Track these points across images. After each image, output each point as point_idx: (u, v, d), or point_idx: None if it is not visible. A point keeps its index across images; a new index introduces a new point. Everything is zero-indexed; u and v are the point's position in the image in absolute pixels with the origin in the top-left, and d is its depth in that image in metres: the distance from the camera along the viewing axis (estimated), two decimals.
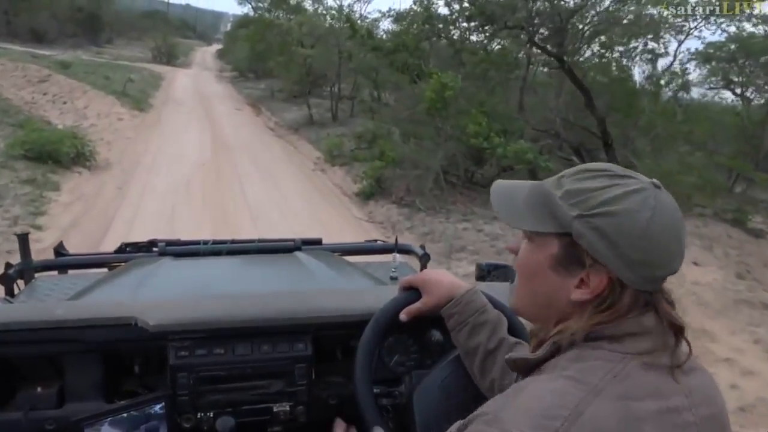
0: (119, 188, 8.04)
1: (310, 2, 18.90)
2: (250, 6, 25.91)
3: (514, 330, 1.10)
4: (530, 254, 0.79)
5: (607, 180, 0.73)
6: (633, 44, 9.91)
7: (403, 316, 1.14)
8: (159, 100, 17.80)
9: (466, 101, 9.48)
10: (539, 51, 9.72)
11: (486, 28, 12.33)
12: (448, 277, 1.16)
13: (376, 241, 2.66)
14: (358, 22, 14.71)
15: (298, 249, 1.98)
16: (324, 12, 16.46)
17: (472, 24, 13.53)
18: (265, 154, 11.73)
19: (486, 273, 1.59)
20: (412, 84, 11.96)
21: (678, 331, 0.73)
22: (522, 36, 10.09)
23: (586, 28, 10.20)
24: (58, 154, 8.14)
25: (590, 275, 0.73)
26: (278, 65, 19.02)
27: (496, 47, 12.94)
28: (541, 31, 9.95)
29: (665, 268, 0.72)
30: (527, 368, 0.78)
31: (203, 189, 8.47)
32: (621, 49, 10.06)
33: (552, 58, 9.49)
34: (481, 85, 9.87)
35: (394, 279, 1.81)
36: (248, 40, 22.37)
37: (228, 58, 34.78)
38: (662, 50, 10.00)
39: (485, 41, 13.50)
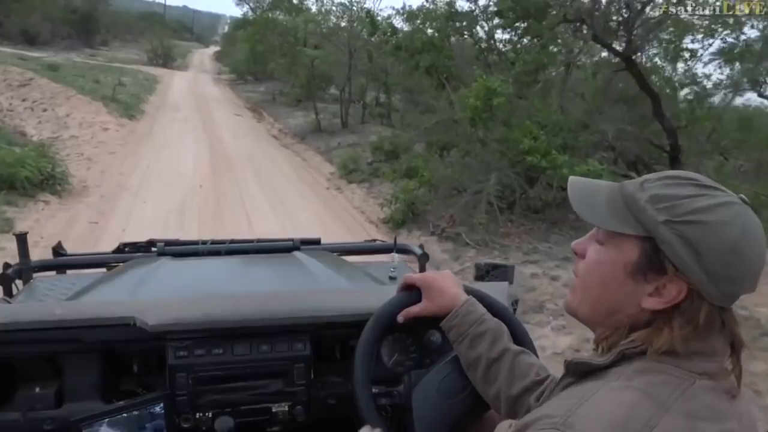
0: (94, 223, 6.14)
1: (313, 0, 16.93)
2: (248, 7, 23.88)
3: (515, 337, 1.07)
4: (604, 257, 0.74)
5: (696, 189, 0.69)
6: (709, 41, 8.08)
7: (400, 318, 1.09)
8: (152, 105, 15.84)
9: (509, 109, 7.66)
10: (604, 48, 7.87)
11: (518, 24, 10.50)
12: (452, 285, 1.09)
13: (375, 240, 2.46)
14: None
15: (297, 249, 1.88)
16: (333, 8, 14.46)
17: (497, 21, 11.73)
18: (271, 170, 9.84)
19: (485, 272, 1.45)
20: (439, 88, 10.13)
21: (740, 351, 0.70)
22: (569, 31, 8.28)
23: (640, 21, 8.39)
24: (15, 180, 6.23)
25: (667, 284, 0.69)
26: (280, 67, 17.17)
27: (527, 47, 11.14)
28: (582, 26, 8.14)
29: (748, 286, 0.69)
30: (585, 372, 0.72)
31: (200, 220, 6.60)
32: (692, 46, 8.23)
33: (617, 58, 7.65)
34: (521, 90, 8.03)
35: (392, 279, 1.73)
36: (248, 41, 20.39)
37: (226, 60, 32.85)
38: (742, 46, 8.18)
39: (517, 39, 11.67)
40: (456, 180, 7.34)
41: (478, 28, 12.38)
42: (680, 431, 0.63)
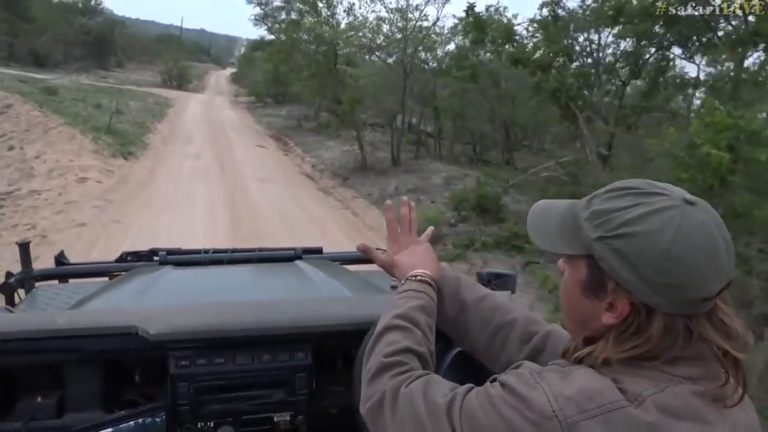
0: None
1: (344, 14, 13.29)
2: (266, 26, 20.39)
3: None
4: (567, 276, 0.71)
5: (633, 198, 0.63)
6: None
7: (360, 246, 1.11)
8: (159, 136, 12.31)
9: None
10: None
11: (654, 29, 6.98)
12: (416, 262, 0.97)
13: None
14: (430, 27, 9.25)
15: (299, 258, 1.77)
16: (385, 14, 10.85)
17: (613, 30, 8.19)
18: (318, 242, 6.23)
19: (487, 282, 1.33)
20: (564, 120, 6.62)
21: (726, 360, 0.61)
22: None
23: None
24: None
25: (617, 299, 0.63)
26: (307, 89, 13.66)
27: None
28: None
29: (697, 291, 0.60)
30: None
31: None
32: None
33: None
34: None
35: (394, 287, 1.50)
36: (270, 60, 16.92)
37: (243, 82, 29.51)
38: None
39: (637, 48, 8.13)
40: None
41: (582, 38, 8.82)
42: (650, 425, 0.58)
